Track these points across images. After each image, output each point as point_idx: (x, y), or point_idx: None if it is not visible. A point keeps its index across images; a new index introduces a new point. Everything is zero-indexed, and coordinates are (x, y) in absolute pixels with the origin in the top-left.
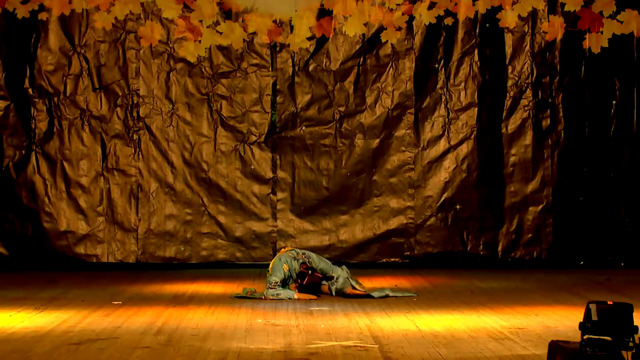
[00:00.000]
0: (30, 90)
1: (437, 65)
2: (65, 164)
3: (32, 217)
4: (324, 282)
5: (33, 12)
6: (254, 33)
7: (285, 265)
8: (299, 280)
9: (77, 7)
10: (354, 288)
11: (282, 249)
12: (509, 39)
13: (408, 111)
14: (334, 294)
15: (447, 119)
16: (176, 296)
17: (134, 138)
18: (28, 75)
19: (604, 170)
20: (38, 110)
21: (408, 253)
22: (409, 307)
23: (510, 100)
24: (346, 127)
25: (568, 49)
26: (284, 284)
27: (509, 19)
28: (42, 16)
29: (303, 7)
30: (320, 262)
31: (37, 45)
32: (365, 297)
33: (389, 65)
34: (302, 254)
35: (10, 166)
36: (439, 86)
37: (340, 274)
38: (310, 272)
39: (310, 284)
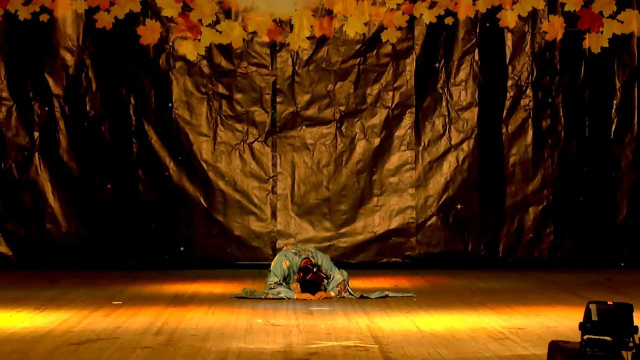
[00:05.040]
0: (32, 92)
1: (437, 65)
2: (67, 164)
3: (34, 217)
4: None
5: (34, 14)
6: (254, 32)
7: (285, 261)
8: (301, 274)
9: (78, 8)
10: (338, 294)
11: (283, 247)
12: (509, 39)
13: (408, 110)
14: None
15: (447, 119)
16: (176, 296)
17: (135, 137)
18: (30, 76)
19: (604, 170)
20: (40, 111)
21: (409, 253)
22: (409, 307)
23: (510, 100)
24: (346, 126)
25: (568, 49)
26: (285, 281)
27: (509, 18)
28: (44, 17)
29: (303, 6)
30: (321, 259)
31: (38, 46)
32: (363, 298)
33: (390, 64)
34: (305, 250)
35: (13, 167)
36: (439, 85)
37: (337, 276)
38: (315, 269)
39: (311, 281)
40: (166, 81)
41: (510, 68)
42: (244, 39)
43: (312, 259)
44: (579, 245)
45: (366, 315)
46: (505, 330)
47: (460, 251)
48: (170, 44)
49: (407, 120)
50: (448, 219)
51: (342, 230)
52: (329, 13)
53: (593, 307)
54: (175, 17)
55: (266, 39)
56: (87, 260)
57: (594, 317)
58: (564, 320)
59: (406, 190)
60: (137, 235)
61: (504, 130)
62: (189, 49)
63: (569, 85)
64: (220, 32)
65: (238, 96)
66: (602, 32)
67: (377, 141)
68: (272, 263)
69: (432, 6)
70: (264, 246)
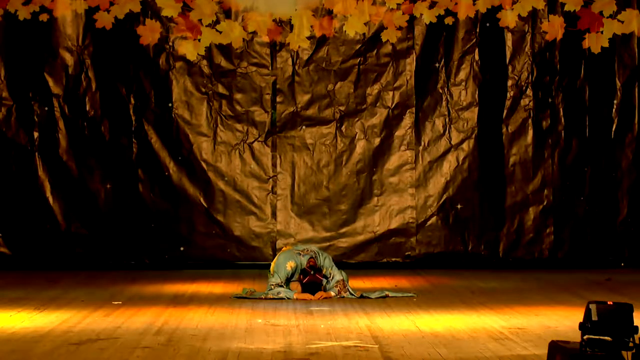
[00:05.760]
0: (32, 92)
1: (437, 65)
2: (66, 164)
3: (34, 217)
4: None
5: (34, 14)
6: (254, 32)
7: (290, 262)
8: (301, 276)
9: (77, 8)
10: (338, 294)
11: (283, 248)
12: (509, 39)
13: (408, 110)
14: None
15: (447, 118)
16: (176, 296)
17: (135, 137)
18: (30, 76)
19: (605, 170)
20: (40, 111)
21: (409, 253)
22: (409, 307)
23: (510, 100)
24: (346, 126)
25: (568, 49)
26: (287, 282)
27: (509, 18)
28: (43, 17)
29: (303, 6)
30: (323, 258)
31: (38, 46)
32: (363, 298)
33: (390, 64)
34: (307, 249)
35: (12, 167)
36: (439, 85)
37: (337, 276)
38: (313, 272)
39: (310, 283)
40: (166, 81)
41: (510, 68)
42: (244, 39)
43: (315, 259)
44: (579, 245)
45: (366, 315)
46: (505, 330)
47: (460, 251)
48: (170, 44)
49: (407, 120)
50: (448, 219)
51: (342, 230)
52: (329, 13)
53: (593, 307)
54: (175, 17)
55: (266, 39)
56: (87, 260)
57: (594, 317)
58: (564, 320)
59: (406, 190)
60: (137, 235)
61: (504, 130)
62: (189, 49)
63: (569, 85)
64: (220, 32)
65: (238, 96)
66: (602, 32)
67: (377, 141)
68: (273, 264)
69: (432, 6)
70: (264, 246)
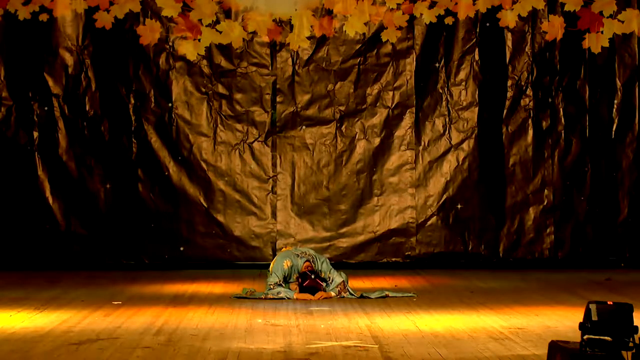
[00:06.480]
0: (31, 91)
1: (437, 65)
2: (66, 164)
3: (34, 217)
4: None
5: (34, 14)
6: (254, 32)
7: (287, 261)
8: (300, 280)
9: (77, 8)
10: (338, 294)
11: (283, 248)
12: (509, 39)
13: (408, 110)
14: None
15: (448, 118)
16: (176, 296)
17: (134, 137)
18: (30, 76)
19: (605, 170)
20: (40, 111)
21: (409, 253)
22: (409, 307)
23: (510, 100)
24: (346, 126)
25: (568, 49)
26: (285, 281)
27: (509, 18)
28: (43, 17)
29: (303, 6)
30: (321, 263)
31: (38, 46)
32: (363, 298)
33: (390, 64)
34: (305, 252)
35: (12, 166)
36: (439, 85)
37: (336, 278)
38: (313, 276)
39: (309, 287)
40: (166, 81)
41: (510, 68)
42: (244, 39)
43: (312, 263)
44: (580, 245)
45: (366, 315)
46: (505, 330)
47: (460, 251)
48: (170, 44)
49: (407, 120)
50: (448, 219)
51: (342, 230)
52: (329, 13)
53: (593, 307)
54: (175, 17)
55: (266, 39)
56: (87, 260)
57: (594, 317)
58: (564, 320)
59: (406, 190)
60: (137, 235)
61: (504, 130)
62: (189, 49)
63: (569, 85)
64: (220, 32)
65: (238, 96)
66: (602, 32)
67: (377, 141)
68: (272, 264)
69: (432, 6)
70: (264, 246)
